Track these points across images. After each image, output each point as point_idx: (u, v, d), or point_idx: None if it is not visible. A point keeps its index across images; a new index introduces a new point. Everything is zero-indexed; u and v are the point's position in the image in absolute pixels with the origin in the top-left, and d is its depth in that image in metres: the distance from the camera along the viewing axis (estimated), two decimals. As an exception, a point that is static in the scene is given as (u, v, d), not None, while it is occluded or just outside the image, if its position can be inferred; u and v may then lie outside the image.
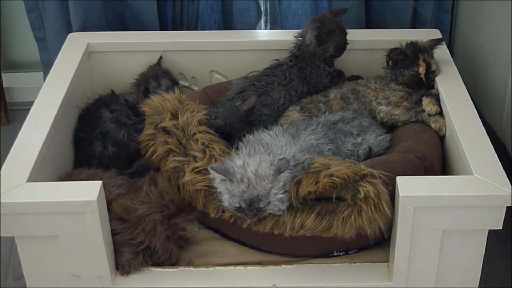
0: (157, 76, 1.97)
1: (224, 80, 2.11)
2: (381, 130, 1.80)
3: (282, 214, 1.50)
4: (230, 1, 2.30)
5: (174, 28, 2.32)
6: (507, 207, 1.42)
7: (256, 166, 1.46)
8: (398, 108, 1.83)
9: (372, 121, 1.81)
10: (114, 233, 1.53)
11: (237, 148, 1.61)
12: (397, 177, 1.45)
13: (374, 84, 1.89)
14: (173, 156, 1.63)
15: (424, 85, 1.85)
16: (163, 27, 2.30)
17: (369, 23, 2.30)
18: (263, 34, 2.17)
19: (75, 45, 2.02)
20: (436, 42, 1.88)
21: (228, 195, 1.48)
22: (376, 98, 1.86)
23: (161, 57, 2.03)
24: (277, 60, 1.97)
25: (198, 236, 1.68)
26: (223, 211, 1.56)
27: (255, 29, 2.36)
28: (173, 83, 1.98)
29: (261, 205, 1.46)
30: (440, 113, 1.78)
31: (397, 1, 2.23)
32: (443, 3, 2.30)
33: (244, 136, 1.64)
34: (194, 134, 1.65)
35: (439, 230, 1.46)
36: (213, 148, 1.61)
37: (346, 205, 1.46)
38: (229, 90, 1.93)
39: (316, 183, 1.45)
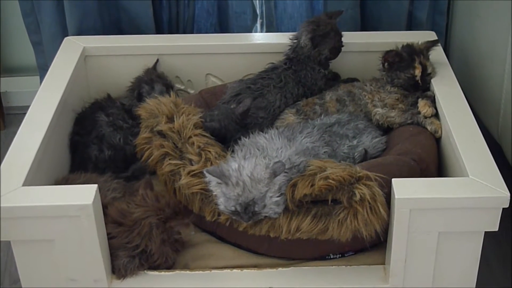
0: (151, 81, 1.97)
1: (220, 83, 2.11)
2: (376, 133, 1.80)
3: (278, 217, 1.49)
4: (226, 4, 2.31)
5: (170, 32, 2.31)
6: (503, 208, 1.42)
7: (252, 169, 1.45)
8: (393, 110, 1.83)
9: (367, 124, 1.81)
10: (110, 237, 1.53)
11: (232, 151, 1.61)
12: (393, 179, 1.45)
13: (369, 87, 1.89)
14: (169, 159, 1.63)
15: (419, 87, 1.85)
16: (159, 30, 2.29)
17: (365, 25, 2.30)
18: (259, 37, 2.18)
19: (71, 49, 2.02)
20: (431, 44, 1.89)
21: (224, 198, 1.48)
22: (372, 101, 1.86)
23: (157, 61, 2.03)
24: (273, 63, 1.97)
25: (194, 239, 1.68)
26: (219, 214, 1.55)
27: (251, 32, 2.36)
28: (168, 87, 1.97)
29: (256, 209, 1.45)
30: (436, 115, 1.78)
31: (393, 3, 2.23)
32: (439, 5, 2.30)
33: (240, 139, 1.64)
34: (190, 137, 1.64)
35: (435, 232, 1.46)
36: (209, 151, 1.61)
37: (342, 208, 1.45)
38: (224, 93, 1.94)
39: (312, 185, 1.45)
